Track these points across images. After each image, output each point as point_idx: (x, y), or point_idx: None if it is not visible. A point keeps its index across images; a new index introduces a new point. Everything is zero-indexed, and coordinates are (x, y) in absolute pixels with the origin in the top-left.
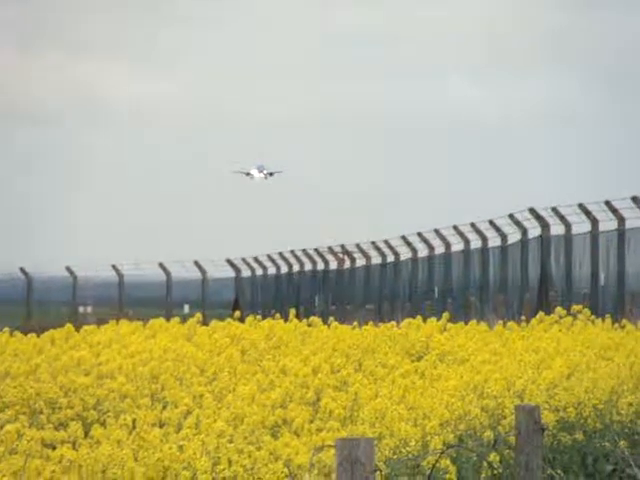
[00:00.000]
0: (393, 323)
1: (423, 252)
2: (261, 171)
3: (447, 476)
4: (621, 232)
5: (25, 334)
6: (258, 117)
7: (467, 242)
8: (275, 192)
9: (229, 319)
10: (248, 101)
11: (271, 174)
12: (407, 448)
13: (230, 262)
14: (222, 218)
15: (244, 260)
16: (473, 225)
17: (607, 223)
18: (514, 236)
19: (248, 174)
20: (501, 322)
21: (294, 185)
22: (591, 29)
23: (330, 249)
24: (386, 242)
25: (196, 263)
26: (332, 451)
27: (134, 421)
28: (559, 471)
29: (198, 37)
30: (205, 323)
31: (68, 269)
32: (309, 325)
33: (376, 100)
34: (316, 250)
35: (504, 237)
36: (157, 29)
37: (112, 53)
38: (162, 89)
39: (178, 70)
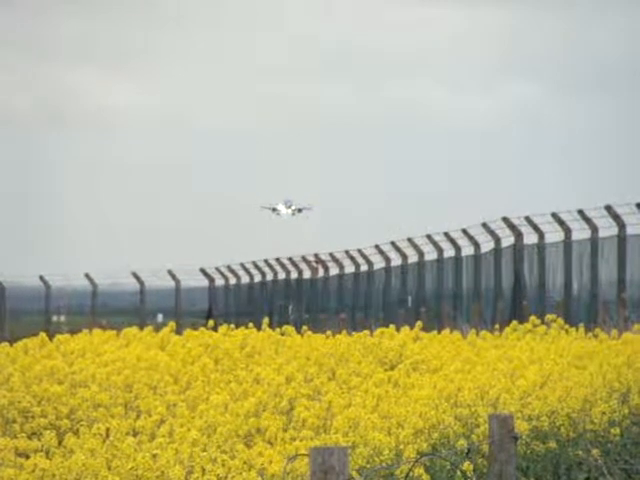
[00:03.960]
0: (366, 332)
1: (396, 261)
2: (289, 206)
3: None
4: (594, 241)
5: None
6: (233, 121)
7: (440, 251)
8: (248, 201)
9: (203, 328)
10: (223, 105)
11: (300, 210)
12: (381, 457)
13: (204, 271)
14: (195, 227)
15: (218, 269)
16: (446, 234)
17: (580, 232)
18: (487, 245)
19: (274, 210)
20: (474, 331)
21: (268, 194)
22: (559, 34)
23: (303, 258)
24: (359, 251)
25: (170, 272)
26: (306, 460)
27: (107, 430)
28: None
29: (178, 41)
30: (179, 332)
31: (42, 278)
32: (282, 334)
33: (346, 106)
34: (290, 259)
35: (477, 246)
36: (138, 32)
37: (89, 58)
38: (139, 94)
39: (158, 77)
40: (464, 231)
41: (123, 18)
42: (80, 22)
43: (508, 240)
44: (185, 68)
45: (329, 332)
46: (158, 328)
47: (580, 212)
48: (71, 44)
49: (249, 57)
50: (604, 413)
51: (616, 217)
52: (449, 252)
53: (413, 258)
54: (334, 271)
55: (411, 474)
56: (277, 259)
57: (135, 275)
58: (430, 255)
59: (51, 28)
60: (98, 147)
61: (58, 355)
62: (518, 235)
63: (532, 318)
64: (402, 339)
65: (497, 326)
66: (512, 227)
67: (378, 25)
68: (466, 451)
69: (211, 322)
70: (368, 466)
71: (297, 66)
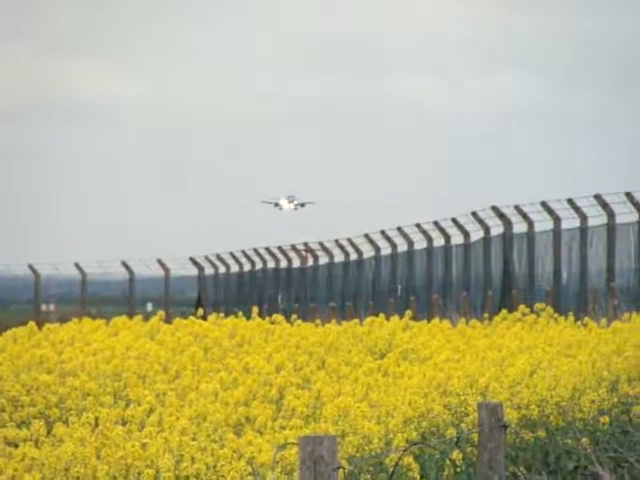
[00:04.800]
0: (356, 321)
1: (386, 250)
2: (291, 201)
3: (410, 473)
4: (583, 230)
5: None
6: (230, 116)
7: (430, 240)
8: (240, 192)
9: (192, 317)
10: (218, 100)
11: (302, 205)
12: (370, 446)
13: (193, 260)
14: (185, 216)
15: (207, 258)
16: (436, 223)
17: (569, 221)
18: (477, 234)
19: (277, 205)
20: (464, 320)
21: (260, 184)
22: (556, 28)
23: (293, 247)
24: (349, 240)
25: (159, 261)
26: (295, 449)
27: (97, 419)
28: (522, 468)
29: (178, 35)
30: (168, 321)
31: (31, 267)
32: (272, 323)
33: (344, 98)
34: (279, 248)
35: (467, 235)
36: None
37: (85, 51)
38: (133, 87)
39: (150, 69)
40: (454, 220)
41: (121, 11)
42: (78, 14)
43: (497, 229)
44: (184, 62)
45: (319, 321)
46: (147, 317)
47: (569, 201)
48: (67, 37)
49: (249, 51)
50: (593, 402)
51: (605, 206)
52: (439, 241)
53: (403, 247)
54: (323, 260)
55: (400, 463)
56: (266, 248)
57: (124, 264)
58: (420, 244)
59: (48, 20)
60: (89, 138)
61: (47, 344)
62: (507, 224)
63: (521, 307)
64: (392, 328)
65: (486, 315)
66: (501, 216)
67: (380, 20)
68: (455, 440)
69: (200, 311)
70: (358, 455)
71: (297, 60)
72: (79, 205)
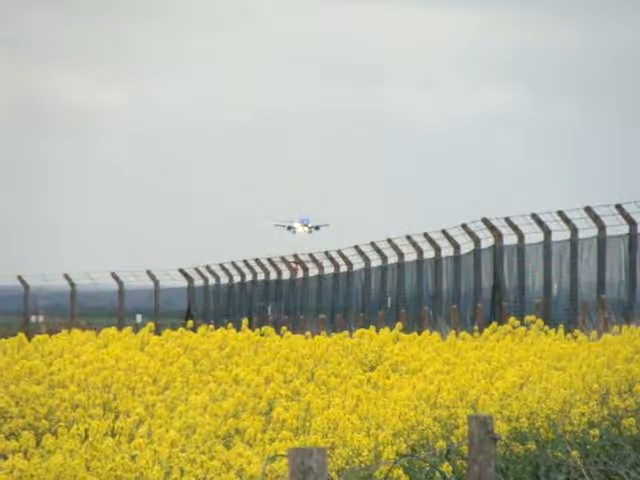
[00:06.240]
0: (346, 333)
1: (376, 262)
2: (305, 224)
3: None
4: (574, 242)
5: None
6: (220, 126)
7: (420, 252)
8: (228, 202)
9: (182, 329)
10: (213, 109)
11: (317, 228)
12: (360, 458)
13: (182, 272)
14: (173, 227)
15: (197, 269)
16: (426, 235)
17: (560, 233)
18: (467, 246)
19: (290, 228)
20: (454, 332)
21: (245, 195)
22: (545, 42)
23: (283, 259)
24: (339, 252)
25: (148, 273)
26: (285, 461)
27: (86, 431)
28: None
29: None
30: (158, 333)
31: (20, 278)
32: (262, 335)
33: (343, 109)
34: (269, 260)
35: (457, 247)
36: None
37: (70, 60)
38: (115, 95)
39: (147, 79)
40: (444, 232)
41: (107, 19)
42: (62, 22)
43: (488, 241)
44: (176, 70)
45: (308, 333)
46: (137, 328)
47: (560, 213)
48: (55, 45)
49: (244, 59)
50: (583, 414)
51: (596, 218)
52: (429, 253)
53: (393, 259)
54: (313, 272)
55: (390, 475)
56: (256, 260)
57: (114, 275)
58: (410, 256)
59: (30, 28)
60: (80, 149)
61: (37, 355)
62: (498, 236)
63: (512, 319)
64: (382, 340)
65: (477, 327)
66: (492, 228)
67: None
68: (445, 452)
69: (190, 322)
70: (347, 467)
71: (296, 70)
72: (68, 216)
